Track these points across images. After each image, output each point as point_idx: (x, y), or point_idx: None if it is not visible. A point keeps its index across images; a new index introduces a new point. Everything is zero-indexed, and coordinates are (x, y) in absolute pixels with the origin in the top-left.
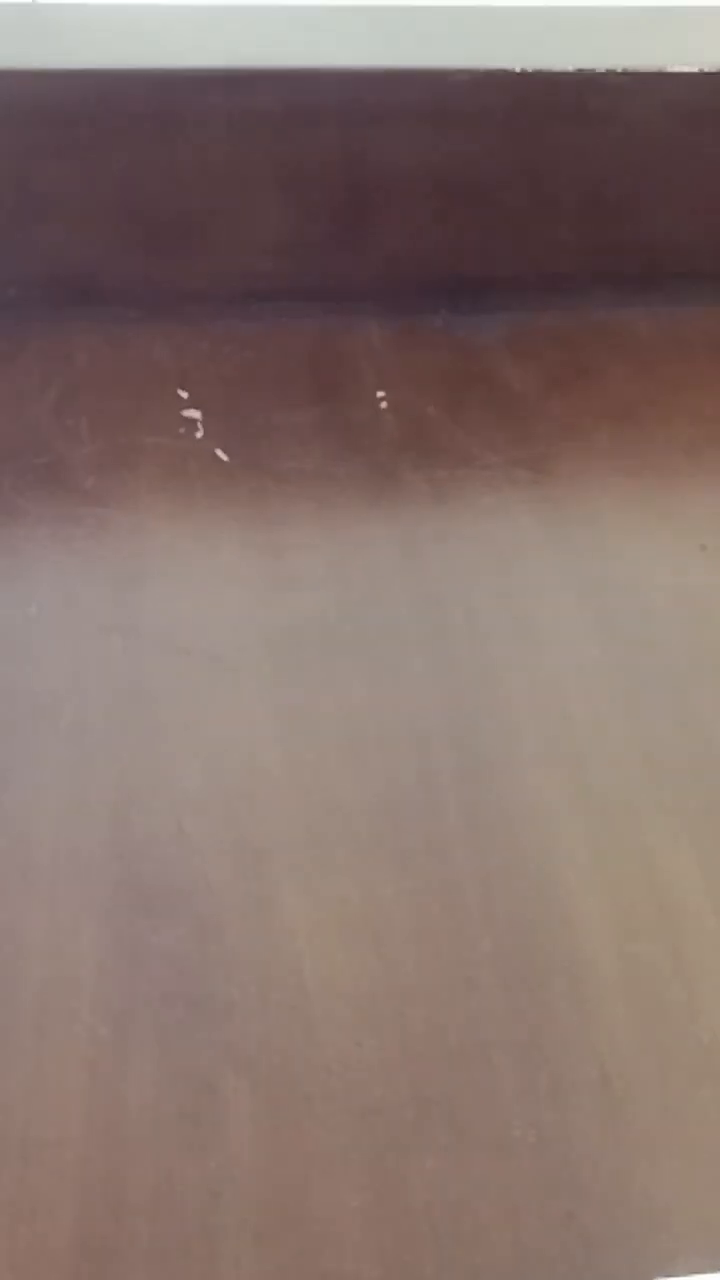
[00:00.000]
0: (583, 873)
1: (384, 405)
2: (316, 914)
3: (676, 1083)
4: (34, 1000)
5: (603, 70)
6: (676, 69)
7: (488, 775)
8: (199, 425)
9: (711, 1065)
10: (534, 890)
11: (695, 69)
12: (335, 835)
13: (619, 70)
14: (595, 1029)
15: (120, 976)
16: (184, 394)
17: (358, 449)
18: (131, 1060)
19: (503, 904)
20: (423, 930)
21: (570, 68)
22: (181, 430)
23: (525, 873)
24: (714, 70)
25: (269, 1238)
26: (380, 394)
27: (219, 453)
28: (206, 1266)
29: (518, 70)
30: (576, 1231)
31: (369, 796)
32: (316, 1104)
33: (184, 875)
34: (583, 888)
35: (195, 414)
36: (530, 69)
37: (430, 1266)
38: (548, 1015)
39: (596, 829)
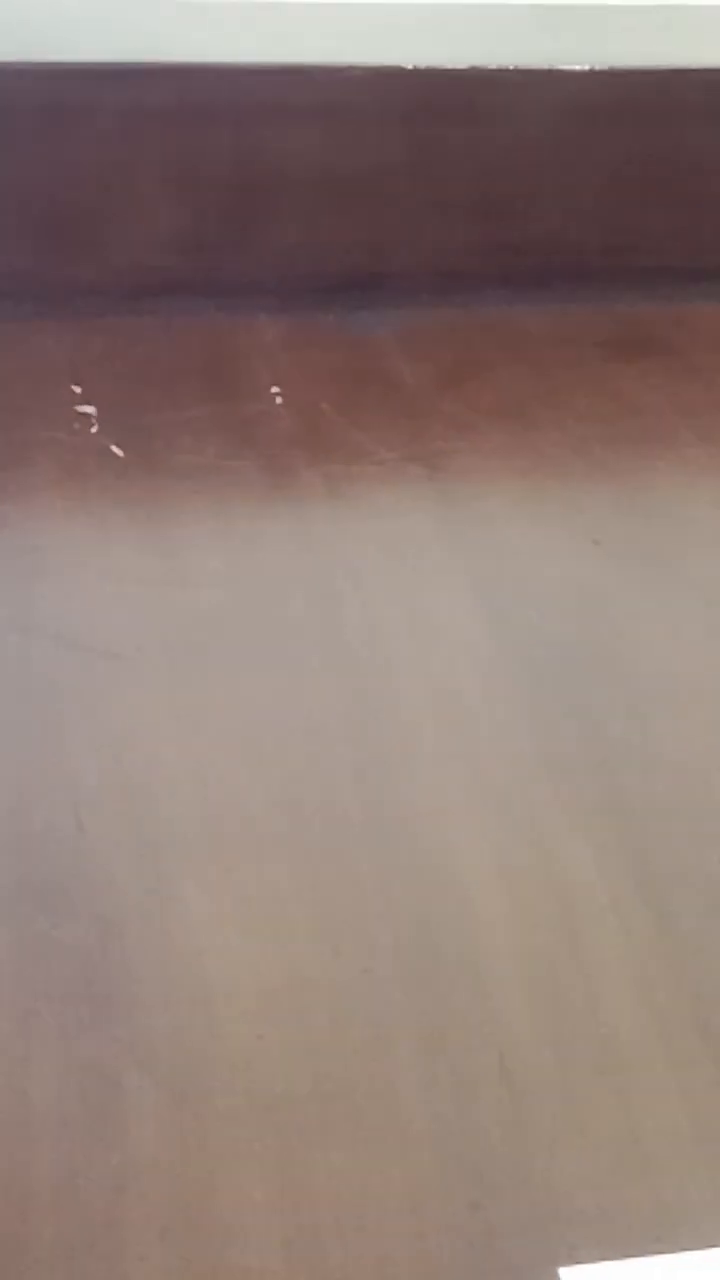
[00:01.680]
0: (482, 867)
1: (279, 401)
2: (217, 909)
3: (576, 1074)
4: None
5: (494, 67)
6: (568, 68)
7: (385, 771)
8: (94, 421)
9: (610, 1056)
10: (433, 885)
11: (587, 67)
12: (235, 831)
13: (510, 67)
14: (495, 1021)
15: (21, 973)
16: (78, 389)
17: (252, 445)
18: (34, 1057)
19: (403, 899)
20: (323, 925)
21: (462, 64)
22: (76, 426)
23: (425, 867)
24: (604, 69)
25: (174, 1232)
26: (275, 390)
27: (114, 448)
28: (112, 1261)
29: (409, 67)
30: (480, 1222)
31: (268, 792)
32: (220, 1098)
33: (84, 871)
34: (482, 882)
35: (90, 409)
36: (422, 66)
37: (335, 1258)
38: (448, 1008)
39: (494, 823)
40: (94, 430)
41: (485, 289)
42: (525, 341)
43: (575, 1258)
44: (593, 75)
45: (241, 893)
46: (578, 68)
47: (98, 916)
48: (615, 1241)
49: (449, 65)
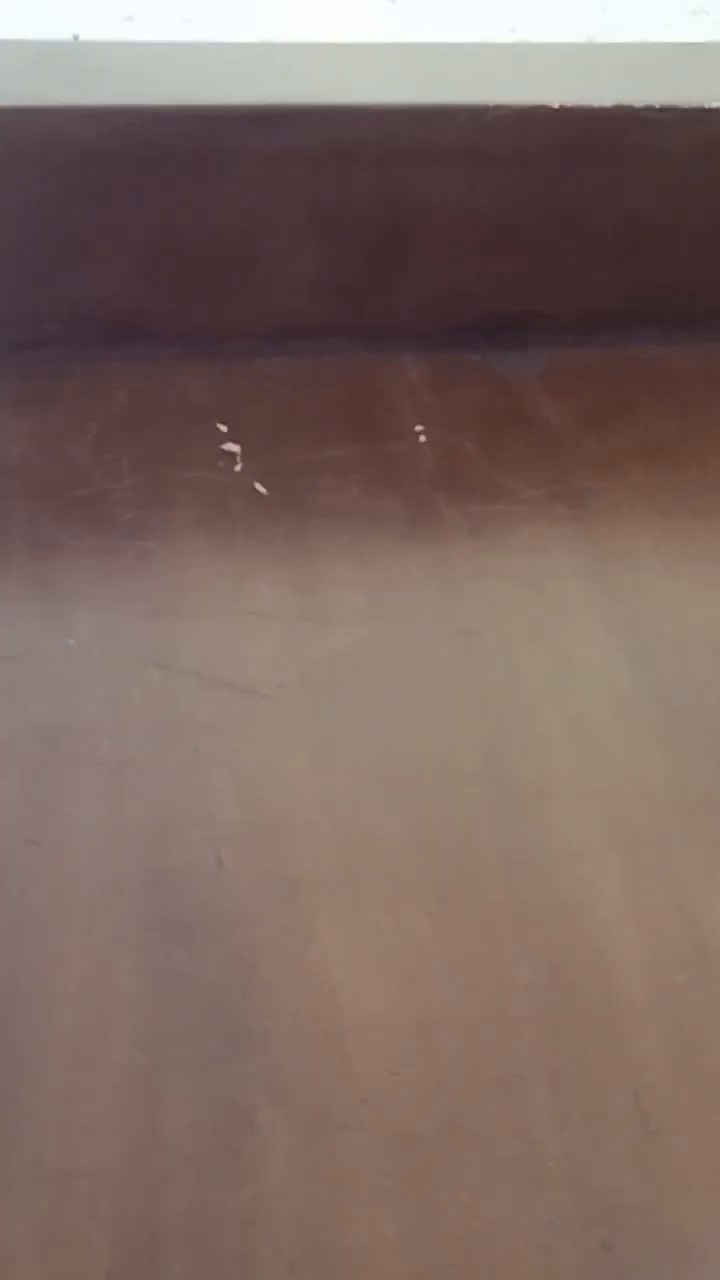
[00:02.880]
0: (617, 906)
1: (423, 440)
2: (352, 946)
3: (712, 1115)
4: (71, 1030)
5: (641, 106)
6: (715, 105)
7: (522, 809)
8: (238, 459)
9: None
10: (568, 923)
11: None
12: (371, 868)
13: (657, 106)
14: (630, 1061)
15: (157, 1007)
16: (223, 428)
17: (395, 483)
18: (167, 1090)
19: (537, 936)
20: (457, 962)
21: (608, 103)
22: (221, 464)
23: (560, 906)
24: None
25: (303, 1267)
26: (419, 428)
27: (258, 486)
28: None
29: (555, 106)
30: (611, 1263)
31: (404, 830)
32: (351, 1134)
33: (221, 907)
34: (617, 921)
35: (235, 448)
36: (569, 104)
37: None
38: (582, 1047)
39: (631, 863)
40: (238, 469)
41: (630, 328)
42: (670, 381)
43: None
44: None
45: (377, 930)
46: None
47: (234, 952)
48: None
49: (594, 104)
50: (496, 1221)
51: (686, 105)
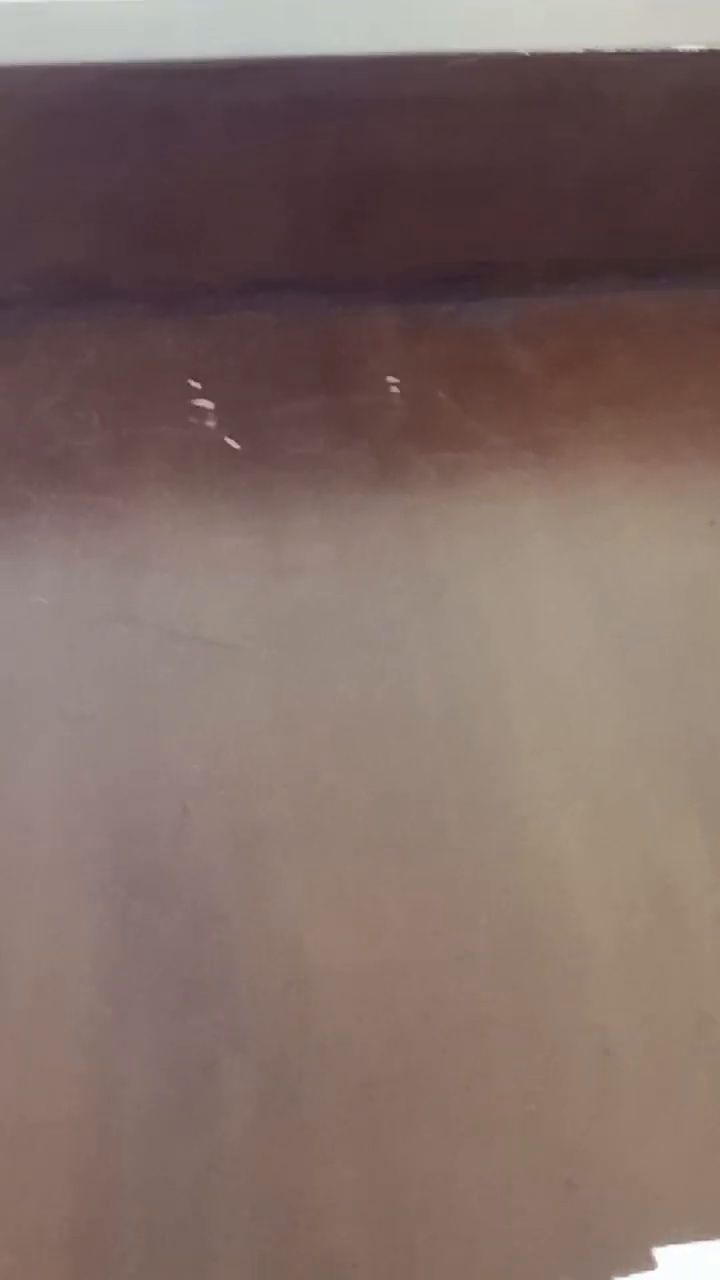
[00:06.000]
0: (580, 854)
1: (394, 390)
2: (315, 896)
3: (675, 1056)
4: (32, 984)
5: (610, 50)
6: (684, 48)
7: (486, 761)
8: (210, 415)
9: (710, 1039)
10: (531, 871)
11: (703, 48)
12: (334, 820)
13: (626, 50)
14: (594, 1004)
15: (119, 960)
16: (195, 384)
17: (366, 435)
18: (129, 1042)
19: (499, 885)
20: (419, 911)
21: (577, 49)
22: (191, 420)
23: (522, 854)
24: None
25: (262, 1214)
26: (390, 379)
27: (229, 440)
28: (200, 1243)
29: (523, 53)
30: (574, 1202)
31: (368, 782)
32: (312, 1081)
33: (184, 861)
34: (580, 868)
35: (207, 404)
36: (536, 51)
37: (423, 1240)
38: (545, 991)
39: (593, 813)
40: (210, 424)
41: (601, 276)
42: (641, 328)
43: (670, 1237)
44: (710, 55)
45: (339, 881)
46: (693, 48)
47: (196, 905)
48: (711, 1221)
49: (562, 49)
50: (458, 1164)
51: (656, 49)
